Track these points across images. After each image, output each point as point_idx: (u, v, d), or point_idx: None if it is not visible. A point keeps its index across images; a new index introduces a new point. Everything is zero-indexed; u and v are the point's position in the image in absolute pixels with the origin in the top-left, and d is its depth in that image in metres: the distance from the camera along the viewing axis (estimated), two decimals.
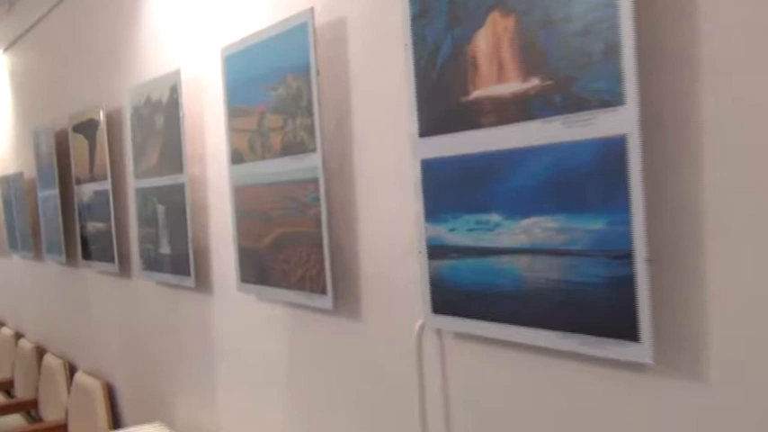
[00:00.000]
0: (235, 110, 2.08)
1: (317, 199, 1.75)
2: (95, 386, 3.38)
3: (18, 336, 4.90)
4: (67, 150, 3.55)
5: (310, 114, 1.75)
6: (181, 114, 2.40)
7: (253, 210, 2.03)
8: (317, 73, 1.72)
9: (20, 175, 4.33)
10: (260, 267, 2.03)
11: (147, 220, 2.74)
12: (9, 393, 4.76)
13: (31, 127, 4.25)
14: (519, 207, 1.22)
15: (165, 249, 2.60)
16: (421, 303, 1.50)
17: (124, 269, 3.11)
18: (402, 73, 1.52)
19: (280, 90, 1.86)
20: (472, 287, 1.33)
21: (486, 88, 1.26)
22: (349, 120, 1.71)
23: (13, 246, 4.75)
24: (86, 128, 3.30)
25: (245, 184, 2.06)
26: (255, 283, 2.06)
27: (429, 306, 1.44)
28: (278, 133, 1.89)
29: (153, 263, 2.73)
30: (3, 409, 4.25)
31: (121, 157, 3.02)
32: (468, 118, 1.31)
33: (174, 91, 2.44)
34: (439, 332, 1.48)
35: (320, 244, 1.75)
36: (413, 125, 1.45)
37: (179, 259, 2.51)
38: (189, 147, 2.41)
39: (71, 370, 3.86)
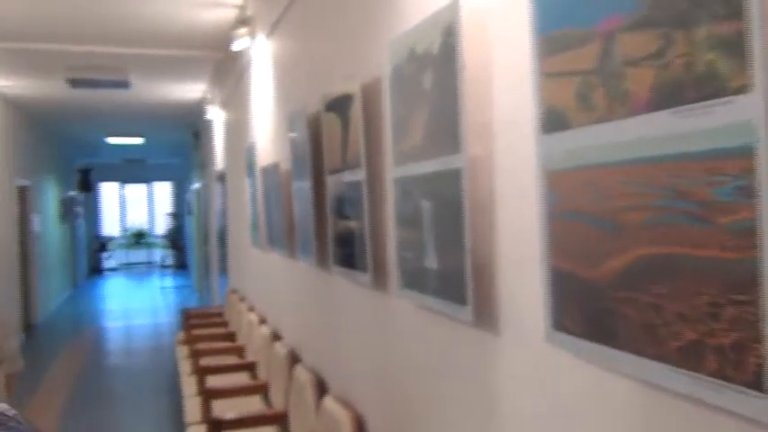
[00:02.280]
0: (552, 40, 1.24)
1: (745, 191, 0.84)
2: (344, 418, 2.78)
3: (275, 337, 4.60)
4: (320, 135, 3.00)
5: (733, 15, 0.84)
6: (458, 66, 1.62)
7: (583, 209, 1.18)
8: None
9: (276, 167, 3.96)
10: (594, 309, 1.17)
11: (409, 220, 2.02)
12: (267, 397, 4.48)
13: (285, 113, 3.84)
14: None
15: (432, 262, 1.85)
16: None
17: (379, 282, 2.43)
18: None
19: None
20: None
21: None
22: None
23: (271, 240, 4.43)
24: (339, 105, 2.70)
25: (568, 167, 1.21)
26: (582, 336, 1.20)
27: None
28: (646, 68, 1.01)
29: (414, 279, 2.00)
30: (257, 420, 3.92)
31: (379, 137, 2.34)
32: None
33: (450, 34, 1.66)
34: None
35: (748, 286, 0.84)
36: None
37: (450, 278, 1.74)
38: (469, 114, 1.62)
39: (321, 388, 3.34)
